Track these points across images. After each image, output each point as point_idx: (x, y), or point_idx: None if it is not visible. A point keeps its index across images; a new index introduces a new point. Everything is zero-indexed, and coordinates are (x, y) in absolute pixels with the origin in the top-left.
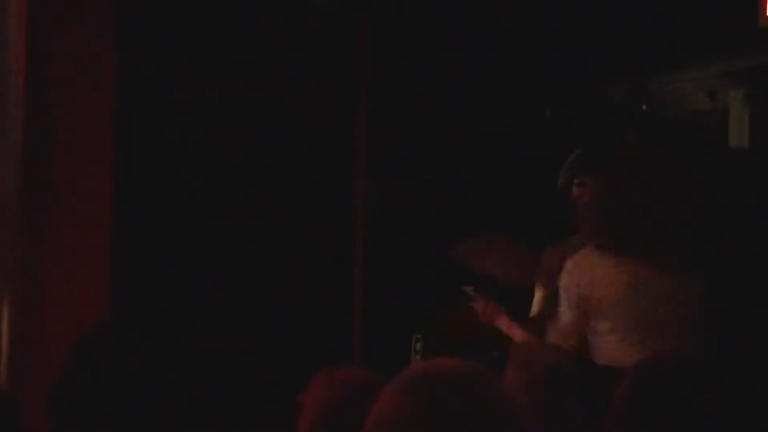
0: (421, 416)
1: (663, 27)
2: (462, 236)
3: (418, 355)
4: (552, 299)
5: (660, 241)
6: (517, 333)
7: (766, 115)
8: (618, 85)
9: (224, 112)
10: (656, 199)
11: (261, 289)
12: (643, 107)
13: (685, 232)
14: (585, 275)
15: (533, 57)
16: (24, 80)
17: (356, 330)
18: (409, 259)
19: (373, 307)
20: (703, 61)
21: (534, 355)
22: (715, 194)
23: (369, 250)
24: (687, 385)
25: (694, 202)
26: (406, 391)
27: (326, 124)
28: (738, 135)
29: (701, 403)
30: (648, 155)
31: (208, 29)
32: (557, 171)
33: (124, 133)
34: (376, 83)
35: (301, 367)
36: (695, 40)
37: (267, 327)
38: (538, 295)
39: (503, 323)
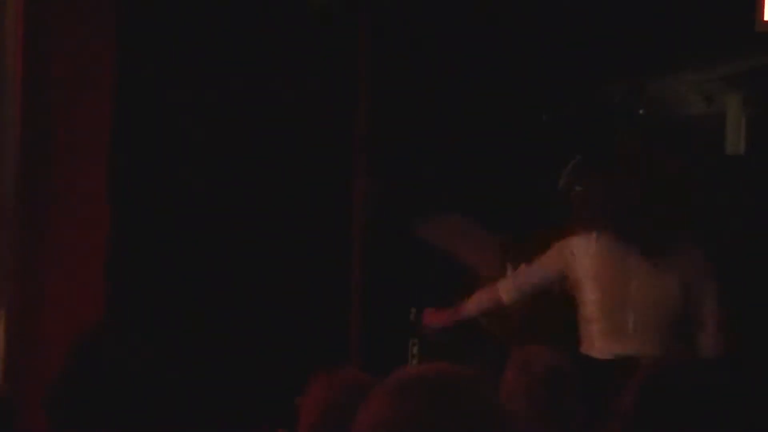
0: (406, 421)
1: (661, 30)
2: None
3: (414, 359)
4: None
5: (656, 239)
6: (469, 306)
7: (763, 119)
8: (617, 87)
9: (224, 111)
10: (654, 199)
11: (259, 289)
12: (641, 111)
13: (681, 230)
14: (581, 250)
15: (533, 58)
16: (22, 80)
17: (353, 332)
18: (408, 260)
19: (370, 309)
20: (701, 64)
21: (534, 356)
22: (713, 196)
23: (367, 250)
24: (693, 390)
25: (691, 201)
26: (391, 395)
27: (326, 124)
28: (735, 138)
29: (708, 408)
30: (646, 156)
31: (207, 29)
32: (556, 172)
33: (123, 133)
34: (376, 83)
35: (298, 367)
36: (692, 44)
37: (265, 327)
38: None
39: (453, 313)
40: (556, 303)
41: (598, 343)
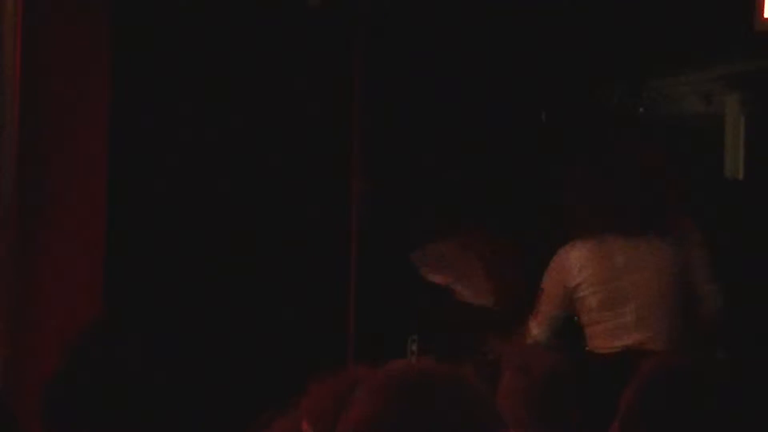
0: (387, 419)
1: (660, 31)
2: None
3: (413, 355)
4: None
5: (643, 228)
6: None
7: (761, 119)
8: (616, 87)
9: (220, 112)
10: (649, 192)
11: (256, 289)
12: (641, 110)
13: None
14: (572, 266)
15: (532, 58)
16: (19, 81)
17: (350, 330)
18: (406, 260)
19: (368, 307)
20: (700, 65)
21: (533, 359)
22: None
23: (364, 250)
24: (695, 387)
25: (682, 195)
26: (374, 393)
27: (322, 125)
28: (733, 138)
29: (711, 406)
30: (645, 155)
31: (205, 29)
32: (555, 172)
33: (122, 133)
34: (373, 83)
35: (296, 367)
36: (691, 44)
37: (262, 327)
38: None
39: None
40: None
41: (604, 340)
